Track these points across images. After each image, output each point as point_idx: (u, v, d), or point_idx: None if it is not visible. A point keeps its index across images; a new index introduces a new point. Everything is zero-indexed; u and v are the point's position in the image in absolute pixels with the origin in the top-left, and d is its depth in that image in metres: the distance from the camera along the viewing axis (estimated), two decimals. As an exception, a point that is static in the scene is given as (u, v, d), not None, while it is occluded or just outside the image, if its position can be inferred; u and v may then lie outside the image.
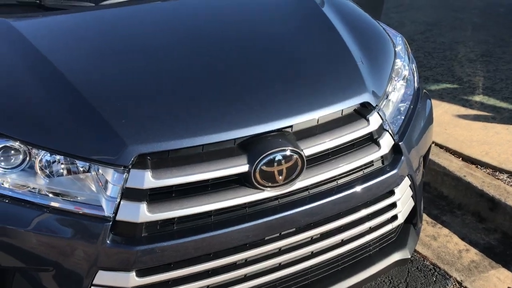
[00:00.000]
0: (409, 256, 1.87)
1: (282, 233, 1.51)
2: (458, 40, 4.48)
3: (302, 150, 1.44)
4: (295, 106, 1.51)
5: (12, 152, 1.41)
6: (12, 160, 1.41)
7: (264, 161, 1.39)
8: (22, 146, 1.40)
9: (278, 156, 1.40)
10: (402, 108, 1.79)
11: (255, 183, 1.40)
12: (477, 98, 3.43)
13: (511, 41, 4.39)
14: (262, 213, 1.45)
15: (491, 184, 2.59)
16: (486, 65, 3.94)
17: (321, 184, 1.53)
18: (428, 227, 2.54)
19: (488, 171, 2.71)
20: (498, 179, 2.63)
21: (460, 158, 2.82)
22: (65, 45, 1.77)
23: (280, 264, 1.56)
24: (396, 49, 1.94)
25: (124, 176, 1.34)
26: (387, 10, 5.27)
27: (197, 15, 2.05)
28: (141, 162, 1.35)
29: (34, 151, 1.39)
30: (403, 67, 1.91)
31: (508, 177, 2.65)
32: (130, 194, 1.34)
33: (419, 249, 2.39)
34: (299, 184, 1.47)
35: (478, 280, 2.21)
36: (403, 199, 1.76)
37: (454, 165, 2.75)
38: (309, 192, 1.52)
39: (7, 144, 1.40)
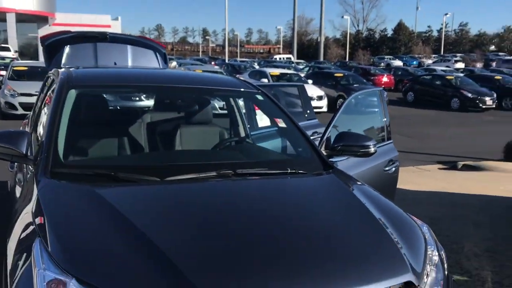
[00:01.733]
0: None
1: None
2: (462, 235, 4.77)
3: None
4: (353, 282, 1.72)
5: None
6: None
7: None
8: None
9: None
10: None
11: None
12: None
13: None
14: None
15: None
16: (492, 260, 4.15)
17: None
18: None
19: None
20: None
21: None
22: (138, 210, 2.05)
23: None
24: (425, 237, 2.19)
25: None
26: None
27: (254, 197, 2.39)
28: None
29: None
30: (432, 253, 2.13)
31: None
32: None
33: None
34: None
35: None
36: None
37: None
38: None
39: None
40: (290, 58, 50.03)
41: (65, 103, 2.78)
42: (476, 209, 5.68)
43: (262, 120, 4.34)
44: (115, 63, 4.99)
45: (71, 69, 3.42)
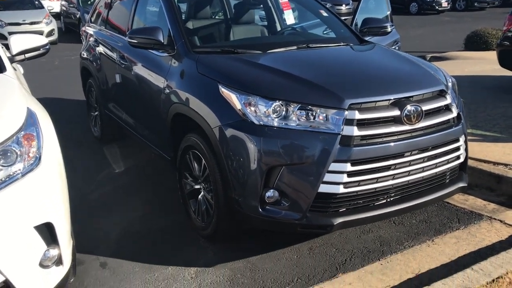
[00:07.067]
0: (466, 185, 3.22)
1: (412, 152, 2.85)
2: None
3: (421, 106, 2.85)
4: (416, 88, 2.96)
5: (279, 107, 2.74)
6: (279, 112, 2.74)
7: (407, 109, 2.79)
8: (283, 104, 2.74)
9: (413, 108, 2.80)
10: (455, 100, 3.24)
11: (402, 121, 2.78)
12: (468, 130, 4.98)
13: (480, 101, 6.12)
14: (404, 138, 2.81)
15: (495, 168, 4.04)
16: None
17: (430, 127, 2.92)
18: (459, 196, 3.87)
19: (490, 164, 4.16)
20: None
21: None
22: (268, 62, 3.25)
23: (409, 172, 2.88)
24: (443, 71, 3.44)
25: (345, 113, 2.69)
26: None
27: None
28: (352, 107, 2.71)
29: (291, 105, 2.73)
30: (450, 79, 3.35)
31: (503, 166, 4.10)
32: (348, 122, 2.68)
33: (458, 205, 3.71)
34: (420, 124, 2.85)
35: (500, 215, 3.54)
36: (462, 146, 3.15)
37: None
38: (424, 131, 2.90)
39: (278, 103, 2.74)
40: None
41: (176, 6, 3.81)
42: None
43: (289, 18, 5.41)
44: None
45: None
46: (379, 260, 3.01)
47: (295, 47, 3.66)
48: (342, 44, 3.87)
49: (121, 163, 4.89)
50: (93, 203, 3.98)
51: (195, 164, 3.27)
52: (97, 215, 3.75)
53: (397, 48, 5.17)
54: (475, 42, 10.48)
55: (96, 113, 5.55)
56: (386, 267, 2.92)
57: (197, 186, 3.32)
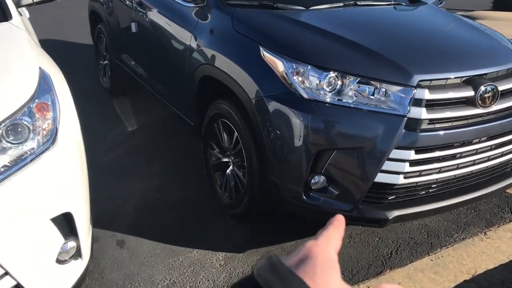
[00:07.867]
0: None
1: (481, 139, 2.47)
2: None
3: (497, 86, 2.44)
4: (490, 64, 2.54)
5: (334, 80, 2.33)
6: (333, 85, 2.33)
7: (482, 89, 2.38)
8: (339, 76, 2.32)
9: (488, 88, 2.40)
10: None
11: (476, 102, 2.38)
12: None
13: None
14: (476, 122, 2.42)
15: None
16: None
17: (503, 110, 2.52)
18: None
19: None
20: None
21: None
22: (312, 20, 2.84)
23: (474, 161, 2.52)
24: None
25: (413, 91, 2.28)
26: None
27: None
28: (421, 85, 2.30)
29: (347, 78, 2.32)
30: None
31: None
32: (416, 102, 2.28)
33: (507, 191, 3.38)
34: (494, 107, 2.46)
35: (556, 205, 3.23)
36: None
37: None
38: (495, 115, 2.50)
39: (333, 75, 2.33)
40: None
41: None
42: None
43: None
44: None
45: None
46: (429, 254, 2.70)
47: (341, 4, 3.20)
48: (393, 2, 3.41)
49: (134, 120, 4.50)
50: (104, 168, 3.62)
51: (225, 135, 2.89)
52: (109, 184, 3.40)
53: (441, 7, 4.68)
54: (505, 2, 9.85)
55: (106, 62, 5.10)
56: (438, 264, 2.62)
57: (225, 159, 2.96)
